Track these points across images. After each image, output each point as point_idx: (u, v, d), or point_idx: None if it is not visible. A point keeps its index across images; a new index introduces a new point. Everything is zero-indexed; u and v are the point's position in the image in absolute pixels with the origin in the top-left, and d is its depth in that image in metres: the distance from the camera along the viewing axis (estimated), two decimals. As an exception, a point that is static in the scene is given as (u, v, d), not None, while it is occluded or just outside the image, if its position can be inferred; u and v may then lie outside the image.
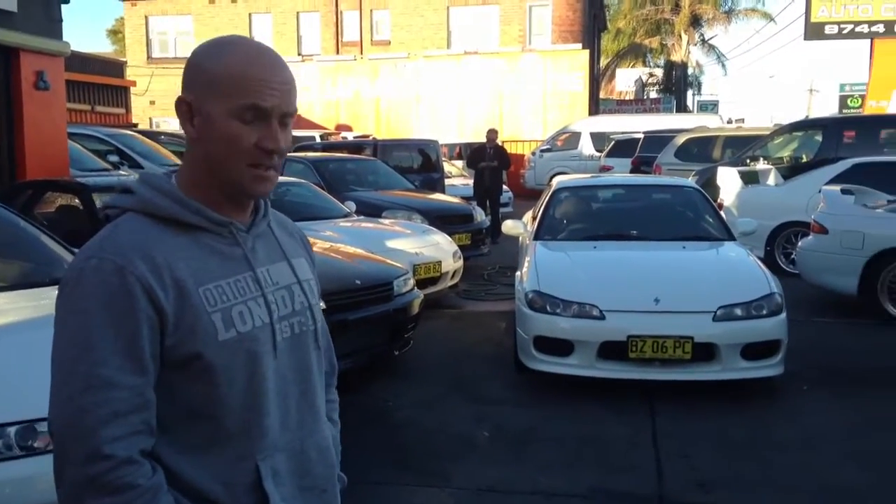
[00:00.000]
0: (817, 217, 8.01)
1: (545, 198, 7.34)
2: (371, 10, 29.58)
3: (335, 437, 1.61)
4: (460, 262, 8.54)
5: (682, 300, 5.41)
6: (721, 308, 5.31)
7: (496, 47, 27.16)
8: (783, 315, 5.39)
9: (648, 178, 8.81)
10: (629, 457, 4.51)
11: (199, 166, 1.41)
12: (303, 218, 7.96)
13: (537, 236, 6.70)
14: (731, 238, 6.54)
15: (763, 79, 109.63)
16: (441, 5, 28.63)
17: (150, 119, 29.83)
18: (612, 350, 5.32)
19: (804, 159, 12.99)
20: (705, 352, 5.26)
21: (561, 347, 5.45)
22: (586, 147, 22.71)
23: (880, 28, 19.92)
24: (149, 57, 31.14)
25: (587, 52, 26.33)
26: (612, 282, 5.66)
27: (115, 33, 50.91)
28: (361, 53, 28.59)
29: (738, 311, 5.34)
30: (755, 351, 5.31)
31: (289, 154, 15.68)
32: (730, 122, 25.62)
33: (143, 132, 16.83)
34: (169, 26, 31.51)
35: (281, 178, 10.10)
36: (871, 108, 19.69)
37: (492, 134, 14.16)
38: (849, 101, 39.90)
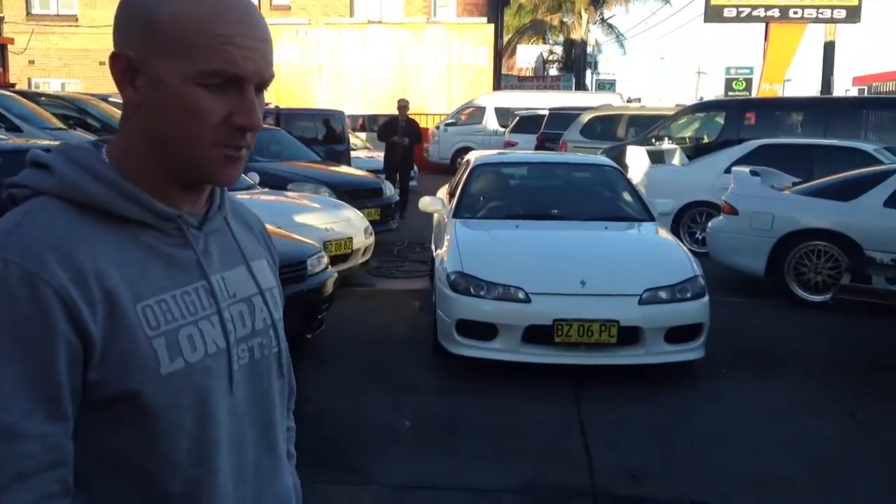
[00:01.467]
0: (728, 198, 8.09)
1: (463, 174, 7.10)
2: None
3: (296, 481, 1.32)
4: (372, 239, 8.22)
5: (608, 283, 5.29)
6: (647, 291, 5.22)
7: (401, 17, 26.67)
8: (706, 298, 5.35)
9: (568, 156, 8.71)
10: (559, 446, 4.36)
11: (141, 142, 1.06)
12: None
13: (456, 214, 6.46)
14: (651, 218, 6.48)
15: (654, 60, 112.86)
16: (344, -28, 27.86)
17: (29, 80, 27.93)
18: (538, 334, 5.15)
19: (706, 139, 13.27)
20: (630, 335, 5.16)
21: (484, 331, 5.25)
22: (491, 122, 22.62)
23: (776, 13, 20.58)
24: (28, 13, 29.05)
25: (492, 26, 26.19)
26: (537, 263, 5.48)
27: (-10, -14, 47.51)
28: (260, 18, 27.52)
29: (663, 295, 5.26)
30: (678, 334, 5.26)
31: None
32: (629, 101, 26.01)
33: (21, 93, 15.65)
34: (50, -20, 29.51)
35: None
36: (765, 90, 20.38)
37: (403, 104, 13.21)
38: (734, 84, 41.52)
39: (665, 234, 6.15)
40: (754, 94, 25.59)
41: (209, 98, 1.02)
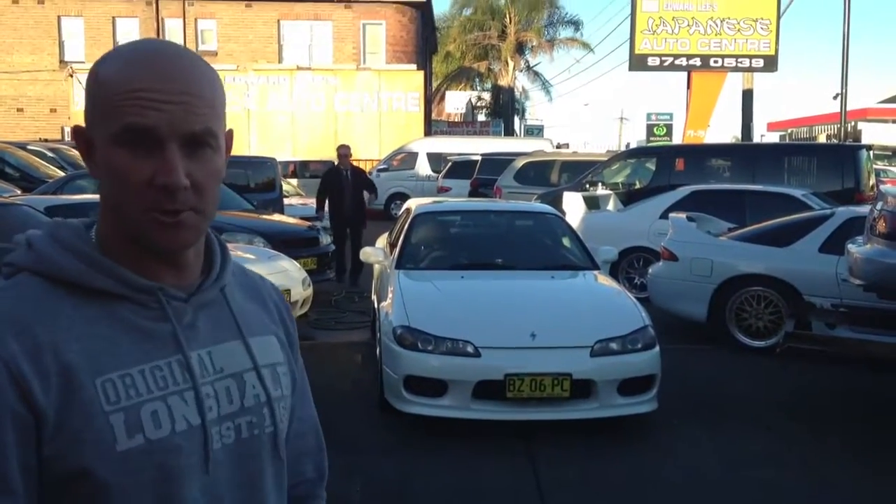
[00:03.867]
0: (667, 244, 8.13)
1: (404, 223, 6.95)
2: (196, 19, 28.24)
3: None
4: (310, 290, 7.98)
5: (559, 335, 5.18)
6: (598, 342, 5.13)
7: (330, 64, 26.66)
8: (657, 349, 5.29)
9: (510, 204, 8.65)
10: (518, 511, 4.17)
11: (106, 215, 1.07)
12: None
13: (399, 265, 6.29)
14: (595, 266, 6.43)
15: (579, 106, 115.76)
16: (271, 18, 27.80)
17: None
18: (489, 389, 4.99)
19: (637, 185, 13.46)
20: (583, 389, 5.04)
21: (433, 388, 5.07)
22: (423, 167, 22.62)
23: (697, 62, 21.26)
24: (-60, 57, 28.06)
25: (422, 72, 26.41)
26: (485, 316, 5.34)
27: None
28: (186, 64, 27.13)
29: (614, 346, 5.18)
30: (631, 386, 5.17)
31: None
32: (558, 146, 26.46)
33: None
34: (-35, 25, 28.57)
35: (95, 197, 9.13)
36: (690, 137, 20.95)
37: (344, 151, 11.17)
38: (655, 130, 42.77)
39: (611, 282, 6.10)
40: (678, 140, 26.32)
41: (132, 160, 0.99)
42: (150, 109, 0.98)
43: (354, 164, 11.65)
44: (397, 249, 6.50)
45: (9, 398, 0.94)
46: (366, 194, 11.18)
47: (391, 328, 5.29)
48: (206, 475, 1.04)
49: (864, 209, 7.19)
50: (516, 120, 45.06)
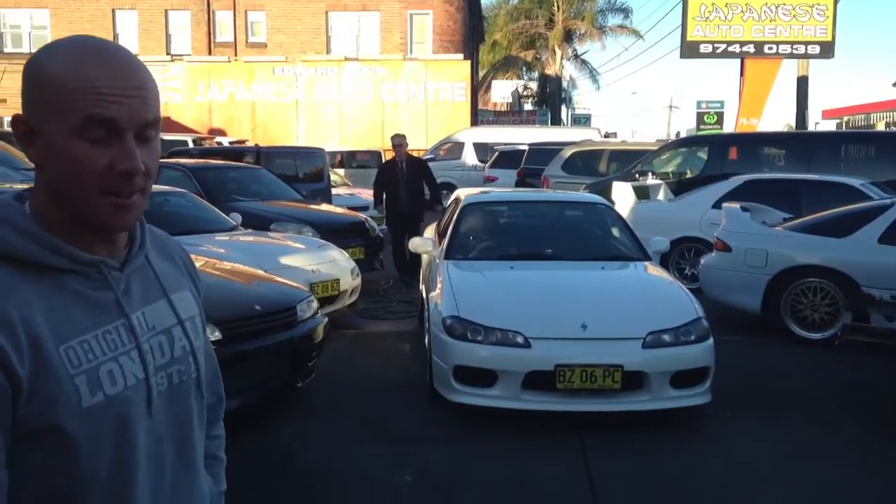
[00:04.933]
0: (720, 234, 7.99)
1: (453, 214, 6.94)
2: (246, 11, 28.51)
3: (217, 479, 1.48)
4: (358, 280, 8.01)
5: (611, 326, 5.12)
6: (650, 334, 5.05)
7: (377, 55, 26.72)
8: (711, 341, 5.20)
9: (560, 195, 8.57)
10: (569, 502, 4.14)
11: (49, 195, 1.17)
12: (184, 231, 7.26)
13: (448, 255, 6.28)
14: (647, 257, 6.34)
15: (626, 95, 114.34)
16: (320, 10, 27.93)
17: (1, 118, 27.56)
18: (539, 380, 4.96)
19: (688, 175, 13.25)
20: (634, 380, 4.98)
21: (483, 377, 5.05)
22: (469, 157, 22.56)
23: (751, 48, 20.81)
24: (0, 52, 28.78)
25: (468, 62, 26.31)
26: (536, 306, 5.30)
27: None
28: (236, 55, 27.47)
29: (667, 338, 5.10)
30: (684, 378, 5.08)
31: (164, 160, 14.53)
32: (606, 135, 26.16)
33: (-6, 133, 15.33)
34: (23, 19, 29.28)
35: (158, 188, 9.26)
36: (743, 125, 20.54)
37: (397, 140, 10.40)
38: (705, 118, 42.02)
39: (664, 273, 6.01)
40: (730, 129, 25.84)
41: (90, 150, 1.10)
42: (111, 103, 1.09)
43: (411, 153, 10.92)
44: (446, 240, 6.48)
45: None
46: (427, 192, 10.45)
47: (441, 318, 5.28)
48: (150, 419, 1.21)
49: (926, 199, 6.97)
50: (563, 109, 44.70)
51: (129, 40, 28.59)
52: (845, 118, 48.41)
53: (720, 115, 42.03)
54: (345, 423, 5.25)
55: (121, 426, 1.16)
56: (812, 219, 7.83)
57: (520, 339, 5.02)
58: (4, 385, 1.06)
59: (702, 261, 8.30)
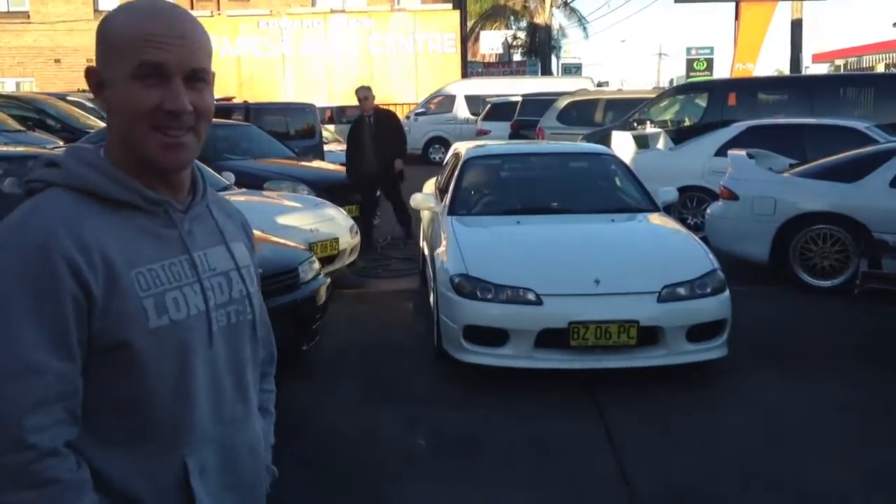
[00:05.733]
0: (726, 182, 7.81)
1: (454, 168, 6.72)
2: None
3: (266, 430, 1.56)
4: (357, 238, 7.82)
5: (624, 280, 4.96)
6: (665, 288, 4.90)
7: (364, 6, 26.14)
8: (727, 293, 5.05)
9: (563, 146, 8.34)
10: (590, 465, 4.01)
11: (117, 139, 1.31)
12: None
13: (451, 211, 6.08)
14: (656, 208, 6.17)
15: (615, 43, 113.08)
16: (305, -39, 27.22)
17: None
18: (551, 338, 4.81)
19: (687, 122, 13.01)
20: (649, 336, 4.84)
21: (494, 337, 4.90)
22: (461, 110, 22.23)
23: (746, -8, 20.42)
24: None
25: (458, 12, 25.77)
26: (546, 262, 5.13)
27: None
28: (219, 9, 26.83)
29: (682, 291, 4.95)
30: (700, 332, 4.95)
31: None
32: (599, 85, 25.76)
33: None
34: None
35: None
36: (738, 70, 20.22)
37: (362, 94, 9.42)
38: (695, 65, 41.53)
39: (675, 224, 5.84)
40: (721, 75, 25.47)
41: (144, 90, 1.25)
42: (158, 49, 1.24)
43: (382, 107, 10.12)
44: (448, 195, 6.28)
45: (70, 286, 1.18)
46: (397, 163, 9.41)
47: (448, 277, 5.11)
48: (210, 349, 1.34)
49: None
50: (553, 59, 44.06)
51: (109, -3, 27.87)
52: (837, 61, 47.93)
53: (710, 62, 41.51)
54: (353, 385, 5.11)
55: (183, 351, 1.28)
56: (820, 164, 7.65)
57: (531, 297, 4.86)
58: (82, 301, 1.19)
59: (707, 210, 8.13)
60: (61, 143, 11.66)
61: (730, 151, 8.27)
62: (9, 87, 25.05)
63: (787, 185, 7.53)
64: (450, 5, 25.83)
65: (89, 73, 1.31)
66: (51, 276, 1.18)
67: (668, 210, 6.83)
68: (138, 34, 1.24)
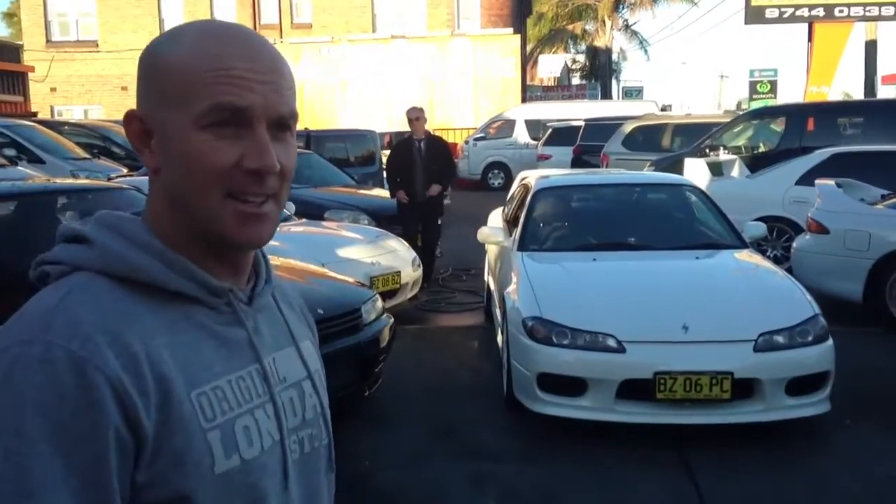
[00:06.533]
0: (815, 215, 7.29)
1: (524, 199, 6.36)
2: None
3: None
4: (420, 271, 7.51)
5: (716, 326, 4.52)
6: (762, 335, 4.45)
7: (424, 31, 26.09)
8: (830, 342, 4.58)
9: (641, 176, 7.92)
10: (685, 537, 3.59)
11: (167, 208, 0.96)
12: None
13: (522, 247, 5.72)
14: (743, 244, 5.72)
15: (675, 65, 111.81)
16: (365, -13, 27.36)
17: (52, 107, 27.71)
18: (635, 389, 4.40)
19: (762, 149, 12.46)
20: (745, 389, 4.39)
21: (572, 386, 4.51)
22: (521, 135, 21.88)
23: (820, 11, 19.68)
24: (48, 40, 28.83)
25: (518, 36, 25.54)
26: (627, 304, 4.73)
27: (11, 16, 47.71)
28: (281, 37, 27.09)
29: (781, 339, 4.49)
30: (800, 385, 4.48)
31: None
32: (663, 108, 25.21)
33: (43, 122, 15.17)
34: (69, 7, 29.23)
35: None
36: (812, 93, 19.47)
37: (414, 114, 8.53)
38: (758, 87, 40.56)
39: (767, 263, 5.39)
40: (786, 97, 24.66)
41: (216, 143, 0.91)
42: (244, 89, 0.91)
43: (434, 132, 9.37)
44: (518, 229, 5.92)
45: (114, 418, 0.83)
46: (434, 188, 8.48)
47: (520, 319, 4.75)
48: (284, 492, 0.98)
49: None
50: (613, 82, 43.53)
51: (174, 24, 28.42)
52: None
53: (773, 84, 40.53)
54: (419, 434, 4.76)
55: (254, 501, 0.94)
56: (919, 196, 7.08)
57: (612, 343, 4.46)
58: (128, 440, 0.84)
59: (794, 244, 7.61)
60: (125, 171, 11.69)
61: (817, 181, 7.74)
62: (76, 115, 25.62)
63: (882, 217, 6.99)
64: (510, 30, 25.60)
65: (130, 120, 0.97)
66: (88, 409, 0.82)
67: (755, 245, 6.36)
68: (212, 67, 0.92)
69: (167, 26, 28.50)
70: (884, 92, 39.10)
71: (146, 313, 0.90)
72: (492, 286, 6.70)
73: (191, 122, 0.91)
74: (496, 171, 21.53)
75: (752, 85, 40.55)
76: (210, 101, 0.90)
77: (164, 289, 0.93)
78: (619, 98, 38.65)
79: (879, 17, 20.05)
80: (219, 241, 0.95)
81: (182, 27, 0.97)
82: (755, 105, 34.35)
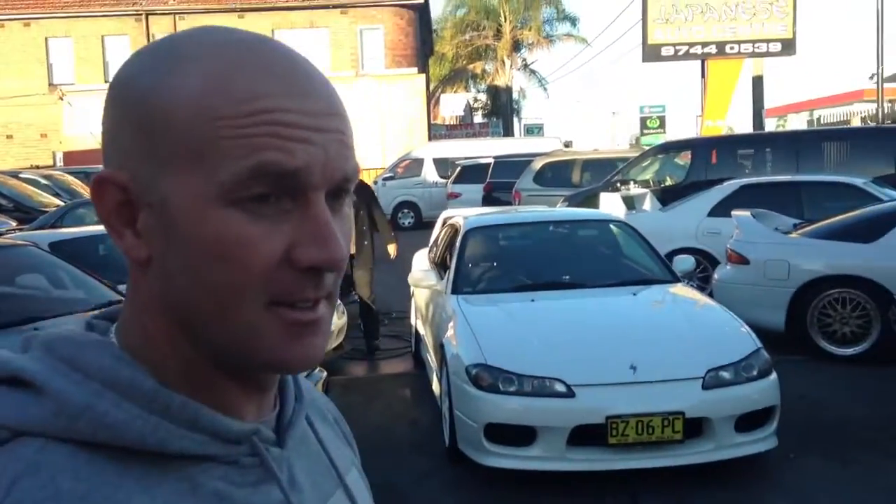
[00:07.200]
0: (734, 246, 7.40)
1: (453, 240, 6.20)
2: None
3: None
4: (345, 318, 7.22)
5: (663, 365, 4.43)
6: (709, 372, 4.38)
7: (328, 72, 25.92)
8: (774, 376, 4.56)
9: (570, 212, 7.89)
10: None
11: (161, 318, 0.64)
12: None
13: (456, 289, 5.53)
14: (676, 278, 5.70)
15: (571, 103, 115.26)
16: (265, 28, 27.00)
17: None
18: (587, 435, 4.25)
19: (669, 182, 12.75)
20: (695, 428, 4.30)
21: (520, 435, 4.32)
22: (430, 174, 21.86)
23: (712, 49, 20.54)
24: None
25: (423, 76, 25.70)
26: (573, 346, 4.59)
27: None
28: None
29: (727, 375, 4.43)
30: (749, 421, 4.42)
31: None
32: (566, 145, 25.71)
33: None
34: (-51, 51, 27.80)
35: (89, 229, 8.39)
36: (708, 127, 20.24)
37: None
38: (648, 123, 42.23)
39: (703, 297, 5.37)
40: (675, 132, 25.60)
41: (252, 226, 0.60)
42: (294, 141, 0.60)
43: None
44: (451, 272, 5.73)
45: None
46: (376, 236, 7.70)
47: (463, 367, 4.54)
48: None
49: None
50: (515, 119, 44.33)
51: (65, 69, 27.35)
52: (787, 116, 49.02)
53: (662, 119, 42.24)
54: (359, 498, 4.46)
55: None
56: (832, 223, 7.28)
57: (561, 388, 4.30)
58: None
59: (715, 275, 7.71)
60: (14, 224, 10.95)
61: (734, 212, 7.89)
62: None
63: (799, 247, 7.14)
64: (415, 69, 25.74)
65: (103, 186, 0.63)
66: None
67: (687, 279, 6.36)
68: (245, 109, 0.59)
69: (56, 71, 27.41)
70: (770, 125, 41.25)
71: (136, 493, 0.59)
72: (421, 331, 6.48)
73: (212, 193, 0.60)
74: (406, 211, 21.41)
75: (643, 121, 42.12)
76: (245, 161, 0.59)
77: (161, 453, 0.62)
78: (521, 135, 39.36)
79: (767, 54, 21.09)
80: (252, 364, 0.65)
81: (181, 42, 0.63)
82: (646, 140, 35.64)
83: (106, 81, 26.66)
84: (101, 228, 8.57)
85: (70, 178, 16.25)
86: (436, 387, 5.44)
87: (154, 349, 0.64)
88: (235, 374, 0.66)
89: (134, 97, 0.62)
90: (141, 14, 27.25)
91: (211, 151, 0.59)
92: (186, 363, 0.64)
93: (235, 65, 0.61)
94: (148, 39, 27.42)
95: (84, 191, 15.20)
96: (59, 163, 24.69)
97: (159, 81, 0.61)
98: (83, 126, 24.55)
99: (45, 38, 27.50)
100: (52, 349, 0.62)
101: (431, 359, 5.69)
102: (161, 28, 27.21)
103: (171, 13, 27.11)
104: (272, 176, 0.59)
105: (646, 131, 41.39)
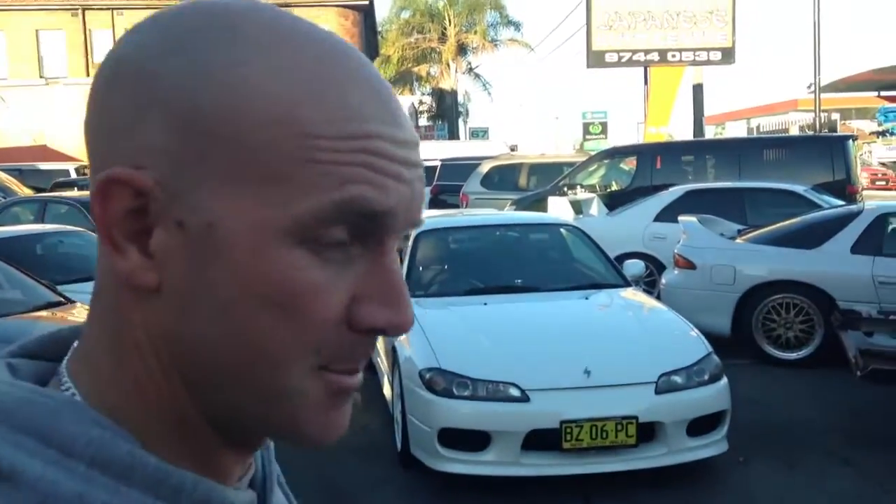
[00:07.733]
0: (681, 251, 7.48)
1: (405, 244, 6.13)
2: (126, 30, 26.83)
3: None
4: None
5: (617, 369, 4.44)
6: (662, 376, 4.40)
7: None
8: (725, 380, 4.61)
9: (521, 216, 7.88)
10: None
11: (156, 365, 0.50)
12: (84, 278, 6.20)
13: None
14: (627, 283, 5.73)
15: (514, 107, 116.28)
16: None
17: None
18: (541, 440, 4.22)
19: (614, 187, 12.89)
20: (648, 432, 4.32)
21: (474, 440, 4.27)
22: (376, 176, 21.74)
23: (655, 56, 20.90)
24: None
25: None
26: (527, 350, 4.57)
27: None
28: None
29: (679, 379, 4.46)
30: (700, 425, 4.46)
31: (50, 194, 13.07)
32: (512, 149, 25.87)
33: None
34: None
35: (50, 227, 8.08)
36: (651, 134, 20.58)
37: None
38: (590, 128, 42.82)
39: (655, 302, 5.41)
40: (616, 137, 25.98)
41: (320, 270, 0.48)
42: (389, 177, 0.49)
43: None
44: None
45: None
46: None
47: (417, 371, 4.49)
48: None
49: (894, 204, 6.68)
50: (460, 123, 44.47)
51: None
52: (725, 123, 50.23)
53: (604, 125, 42.86)
54: (310, 502, 4.36)
55: None
56: (776, 229, 7.43)
57: (516, 392, 4.27)
58: None
59: (662, 279, 7.78)
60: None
61: (680, 217, 7.99)
62: None
63: (745, 252, 7.26)
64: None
65: (114, 185, 0.48)
66: None
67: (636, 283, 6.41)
68: (351, 130, 0.48)
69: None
70: (708, 132, 42.21)
71: None
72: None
73: (283, 225, 0.48)
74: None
75: (585, 126, 42.65)
76: (331, 194, 0.47)
77: None
78: (466, 138, 39.48)
79: (708, 62, 21.57)
80: (275, 434, 0.54)
81: (238, 18, 0.49)
82: (588, 146, 36.11)
83: (41, 76, 25.87)
84: (38, 227, 8.25)
85: (3, 175, 15.69)
86: (387, 391, 5.37)
87: (138, 402, 0.51)
88: (236, 437, 0.54)
89: (171, 81, 0.48)
90: (77, 8, 26.52)
91: (295, 175, 0.47)
92: (177, 421, 0.51)
93: (322, 68, 0.48)
94: (85, 35, 26.72)
95: (19, 189, 14.67)
96: (-9, 160, 23.88)
97: (218, 67, 0.48)
98: (18, 123, 23.79)
99: (-23, 31, 26.58)
100: (20, 426, 0.47)
101: (382, 362, 5.62)
102: (99, 23, 26.53)
103: (108, 8, 26.44)
104: (355, 215, 0.48)
105: (588, 137, 41.93)
